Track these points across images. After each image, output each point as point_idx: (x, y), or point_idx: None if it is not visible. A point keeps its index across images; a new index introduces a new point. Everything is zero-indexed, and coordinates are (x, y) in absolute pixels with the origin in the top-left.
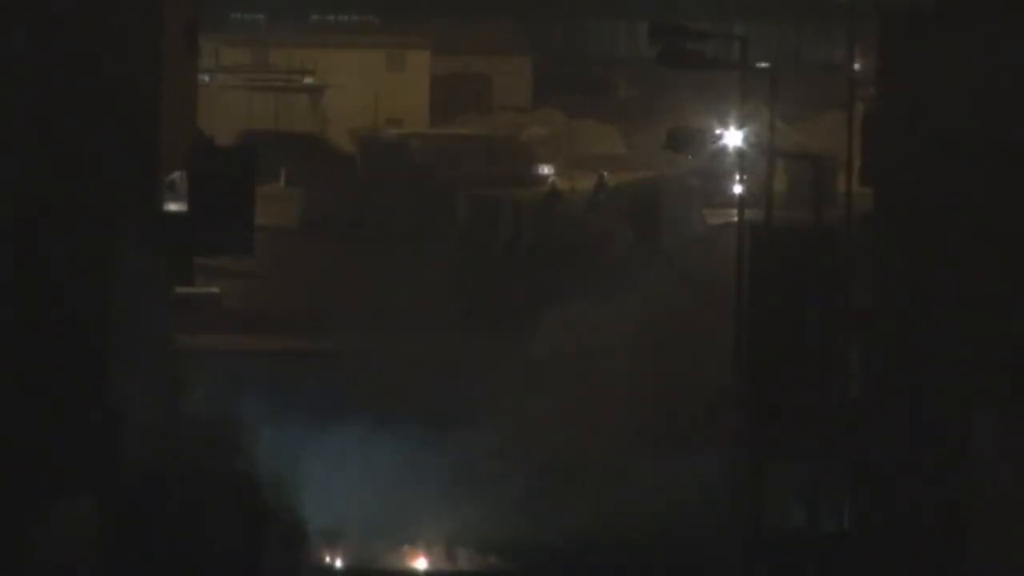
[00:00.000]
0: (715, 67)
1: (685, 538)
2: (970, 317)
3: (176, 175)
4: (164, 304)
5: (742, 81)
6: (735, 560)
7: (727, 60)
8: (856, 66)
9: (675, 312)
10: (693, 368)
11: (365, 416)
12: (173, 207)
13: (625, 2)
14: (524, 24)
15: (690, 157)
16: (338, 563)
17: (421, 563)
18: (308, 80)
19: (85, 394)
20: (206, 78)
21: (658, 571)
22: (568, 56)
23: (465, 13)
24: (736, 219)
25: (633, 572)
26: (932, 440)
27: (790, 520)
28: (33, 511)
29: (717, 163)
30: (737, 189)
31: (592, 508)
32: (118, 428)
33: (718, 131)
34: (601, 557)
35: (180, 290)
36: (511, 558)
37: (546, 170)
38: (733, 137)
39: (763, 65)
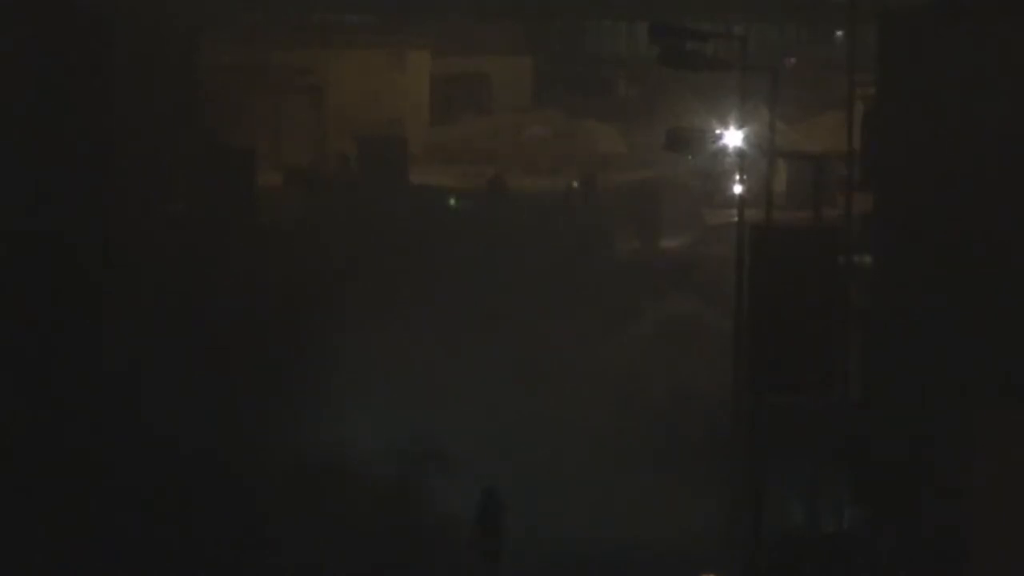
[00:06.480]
0: (715, 67)
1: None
2: (970, 317)
3: (180, 175)
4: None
5: (742, 81)
6: (735, 561)
7: (727, 60)
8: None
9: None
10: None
11: None
12: (173, 207)
13: (625, 2)
14: (524, 24)
15: (690, 157)
16: None
17: None
18: (308, 80)
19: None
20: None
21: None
22: (568, 56)
23: (465, 13)
24: (736, 219)
25: (632, 572)
26: (932, 440)
27: (790, 520)
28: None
29: (717, 163)
30: (737, 189)
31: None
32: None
33: (718, 131)
34: (599, 557)
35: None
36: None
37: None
38: (733, 137)
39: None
